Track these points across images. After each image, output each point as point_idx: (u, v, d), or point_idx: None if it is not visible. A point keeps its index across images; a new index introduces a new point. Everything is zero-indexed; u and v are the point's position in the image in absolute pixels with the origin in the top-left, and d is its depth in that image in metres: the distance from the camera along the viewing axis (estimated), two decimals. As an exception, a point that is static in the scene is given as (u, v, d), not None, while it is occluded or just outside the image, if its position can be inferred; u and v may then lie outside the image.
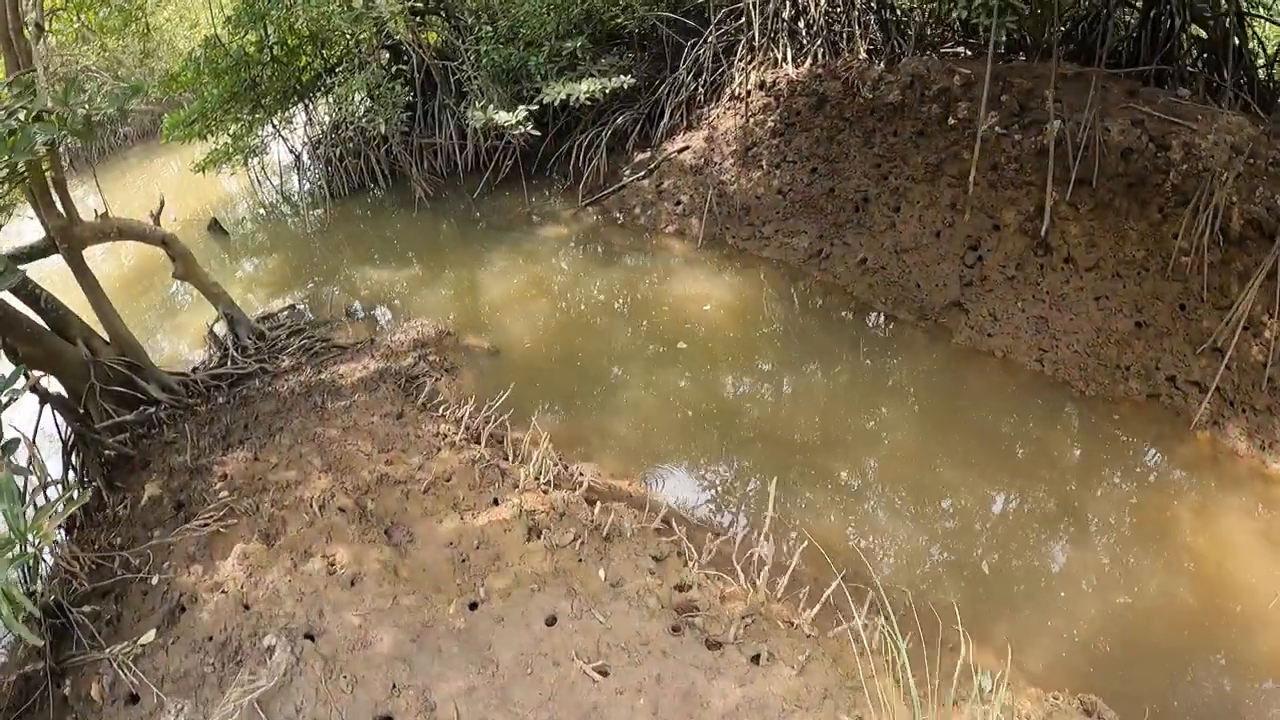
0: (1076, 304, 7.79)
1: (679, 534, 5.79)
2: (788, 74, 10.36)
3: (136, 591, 5.79)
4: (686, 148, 10.96)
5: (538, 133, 10.50)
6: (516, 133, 10.13)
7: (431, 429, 7.33)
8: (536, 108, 10.01)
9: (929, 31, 10.72)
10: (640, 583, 5.07)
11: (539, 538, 5.76)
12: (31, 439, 7.01)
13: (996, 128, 8.48)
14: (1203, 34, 9.18)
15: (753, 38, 10.54)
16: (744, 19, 10.71)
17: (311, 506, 6.17)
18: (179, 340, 10.52)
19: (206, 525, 6.15)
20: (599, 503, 6.15)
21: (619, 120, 11.33)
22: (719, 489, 6.91)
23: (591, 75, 10.48)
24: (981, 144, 8.49)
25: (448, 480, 6.56)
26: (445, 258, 10.97)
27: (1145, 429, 7.18)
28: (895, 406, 7.54)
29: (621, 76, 9.96)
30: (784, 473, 6.77)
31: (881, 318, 8.56)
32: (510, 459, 6.96)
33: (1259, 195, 7.30)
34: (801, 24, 10.57)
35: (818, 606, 5.05)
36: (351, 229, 12.30)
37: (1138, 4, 9.50)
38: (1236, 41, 8.74)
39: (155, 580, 5.79)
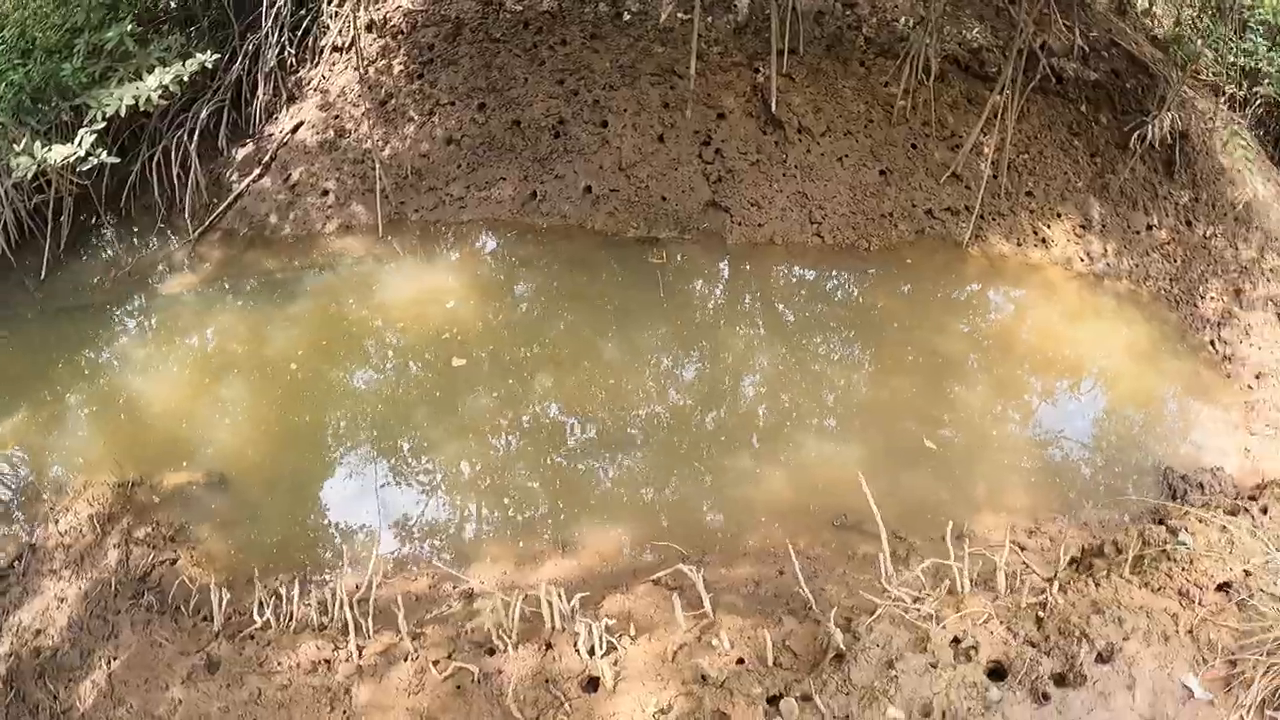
0: (825, 169, 7.76)
1: None
2: (401, 4, 8.73)
3: None
4: (300, 124, 8.84)
5: (116, 159, 7.69)
6: (87, 167, 7.30)
7: (290, 660, 4.62)
8: (103, 125, 7.24)
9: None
10: None
11: None
12: None
13: (679, 14, 7.95)
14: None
15: (336, -30, 8.66)
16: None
17: None
18: None
19: None
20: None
21: (202, 115, 8.76)
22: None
23: (150, 68, 7.83)
24: (670, 33, 7.97)
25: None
26: (51, 376, 7.49)
27: (931, 262, 7.56)
28: (742, 341, 6.97)
29: (199, 56, 7.55)
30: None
31: (644, 244, 7.84)
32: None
33: (948, 33, 7.76)
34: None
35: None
36: None
37: None
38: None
39: None
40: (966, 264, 7.53)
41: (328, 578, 5.28)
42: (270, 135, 8.93)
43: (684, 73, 7.82)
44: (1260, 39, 7.45)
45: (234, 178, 8.92)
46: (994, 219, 7.65)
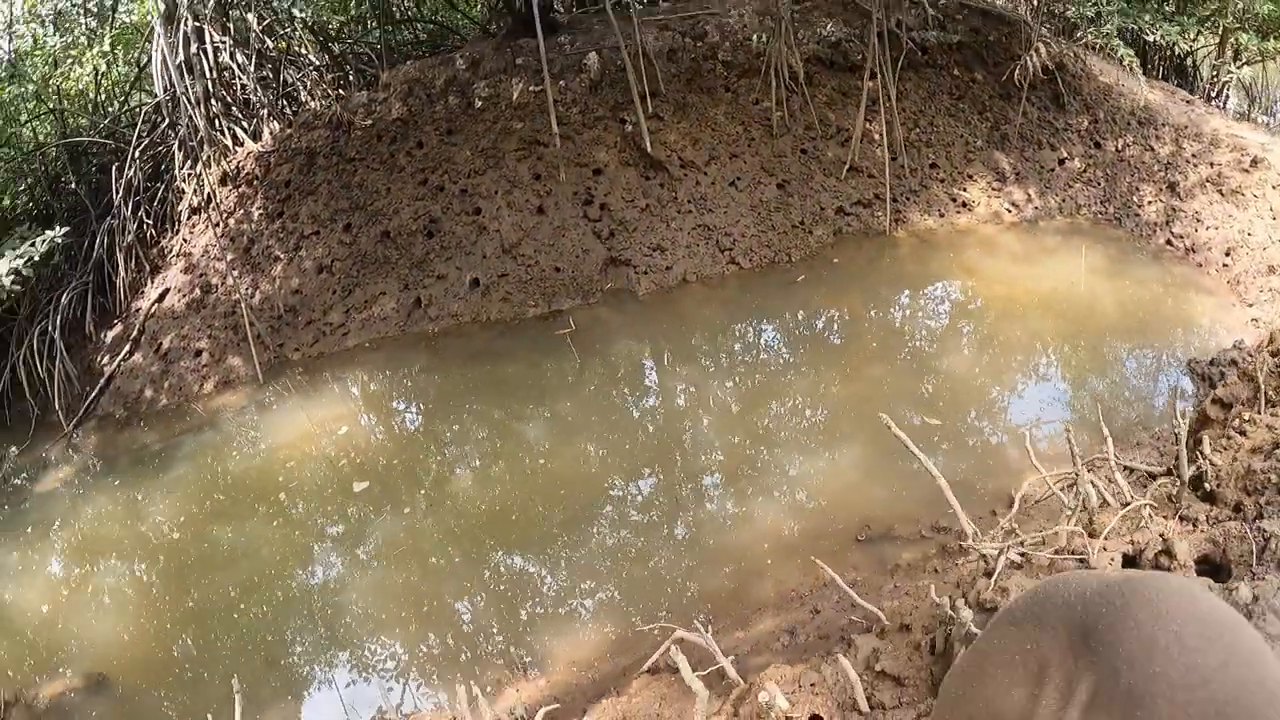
0: (720, 197, 7.24)
1: None
2: (252, 151, 8.33)
3: None
4: (166, 291, 8.22)
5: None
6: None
7: None
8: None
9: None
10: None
11: None
12: None
13: (530, 89, 7.62)
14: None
15: (185, 136, 8.27)
16: (167, 119, 8.40)
17: None
18: None
19: None
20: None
21: (64, 302, 8.11)
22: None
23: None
24: (525, 108, 7.61)
25: None
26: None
27: (861, 255, 6.97)
28: (681, 383, 6.17)
29: (48, 233, 7.02)
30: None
31: (547, 320, 7.12)
32: None
33: (802, 36, 7.51)
34: (233, 96, 8.62)
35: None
36: None
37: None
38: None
39: None
40: (898, 246, 6.96)
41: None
42: (137, 310, 8.27)
43: (548, 140, 7.41)
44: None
45: (105, 361, 8.16)
46: (908, 199, 7.15)
